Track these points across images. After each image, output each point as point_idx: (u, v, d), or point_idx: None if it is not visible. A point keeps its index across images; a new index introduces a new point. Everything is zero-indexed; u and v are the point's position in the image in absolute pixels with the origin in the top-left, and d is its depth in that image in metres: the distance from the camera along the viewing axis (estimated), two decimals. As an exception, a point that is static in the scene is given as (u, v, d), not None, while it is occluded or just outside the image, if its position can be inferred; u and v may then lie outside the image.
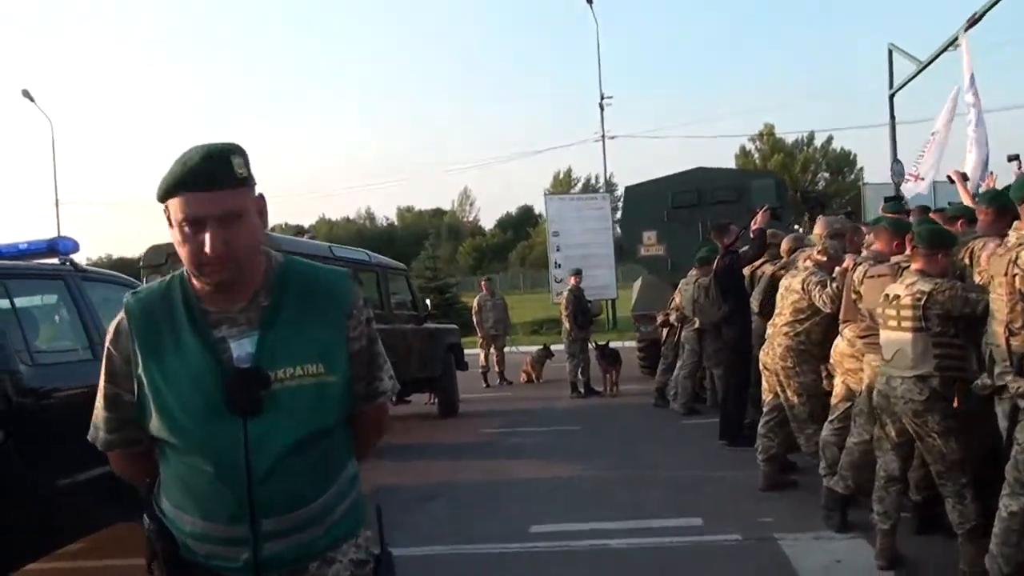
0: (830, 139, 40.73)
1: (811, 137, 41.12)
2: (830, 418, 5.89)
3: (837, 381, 5.89)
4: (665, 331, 11.23)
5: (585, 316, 12.60)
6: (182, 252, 1.82)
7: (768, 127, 41.09)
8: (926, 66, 17.05)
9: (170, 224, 1.85)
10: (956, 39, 14.58)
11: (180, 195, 1.79)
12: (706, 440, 8.57)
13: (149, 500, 1.98)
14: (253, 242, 1.86)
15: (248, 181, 1.85)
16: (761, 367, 6.70)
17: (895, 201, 8.32)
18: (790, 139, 41.39)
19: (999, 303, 3.99)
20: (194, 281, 1.89)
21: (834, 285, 5.94)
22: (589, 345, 12.68)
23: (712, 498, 6.51)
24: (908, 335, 4.53)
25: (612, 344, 13.00)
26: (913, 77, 17.96)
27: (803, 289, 6.23)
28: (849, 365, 5.67)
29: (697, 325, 9.87)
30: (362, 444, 2.13)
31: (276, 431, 1.82)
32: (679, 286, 10.63)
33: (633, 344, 14.70)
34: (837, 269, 6.06)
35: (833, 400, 5.96)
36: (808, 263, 6.46)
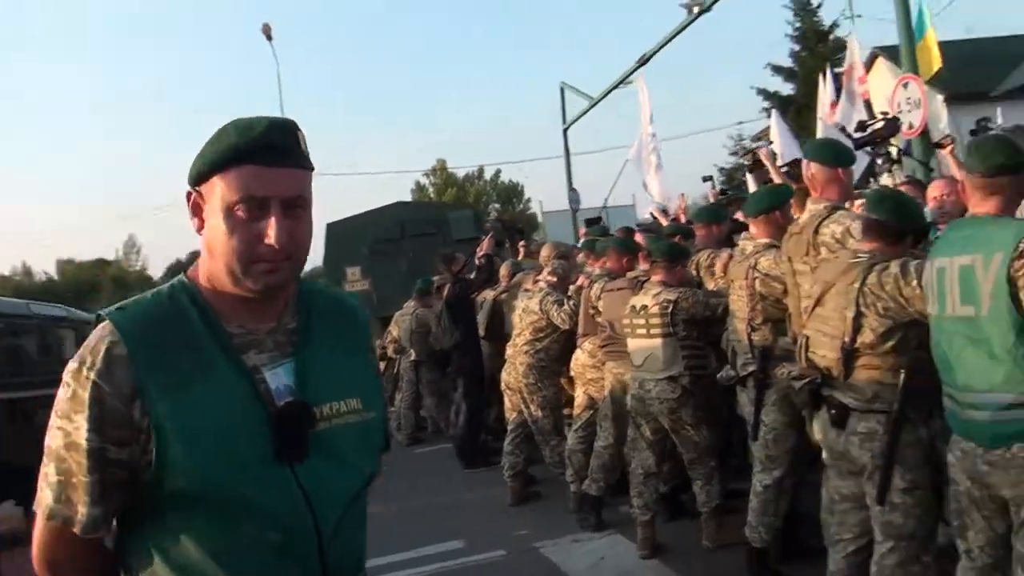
0: (498, 172, 43.26)
1: (481, 171, 43.40)
2: (574, 427, 6.22)
3: (579, 392, 6.23)
4: (382, 364, 11.22)
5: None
6: (226, 244, 1.41)
7: (441, 162, 42.89)
8: (598, 102, 18.64)
9: (198, 212, 1.46)
10: (628, 77, 16.09)
11: (238, 168, 1.40)
12: (443, 466, 8.66)
13: None
14: (310, 239, 1.51)
15: (311, 165, 1.50)
16: (503, 387, 6.92)
17: (597, 224, 8.99)
18: (461, 173, 43.56)
19: (740, 304, 4.45)
20: (207, 290, 1.49)
21: (571, 303, 6.30)
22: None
23: (467, 519, 6.61)
24: (658, 341, 4.92)
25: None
26: (585, 112, 19.56)
27: (541, 309, 6.53)
28: (591, 376, 6.02)
29: (414, 357, 10.01)
30: None
31: (331, 479, 1.48)
32: (395, 318, 10.70)
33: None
34: (572, 287, 6.43)
35: (576, 410, 6.29)
36: (541, 284, 6.80)
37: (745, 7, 71.87)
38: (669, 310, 4.89)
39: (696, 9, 13.47)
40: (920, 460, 3.13)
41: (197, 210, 1.47)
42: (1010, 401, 2.57)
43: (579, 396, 6.23)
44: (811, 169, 3.86)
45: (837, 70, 15.18)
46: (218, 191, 1.42)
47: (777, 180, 6.61)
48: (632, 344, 5.11)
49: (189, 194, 1.48)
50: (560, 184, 21.34)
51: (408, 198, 38.69)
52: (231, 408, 1.41)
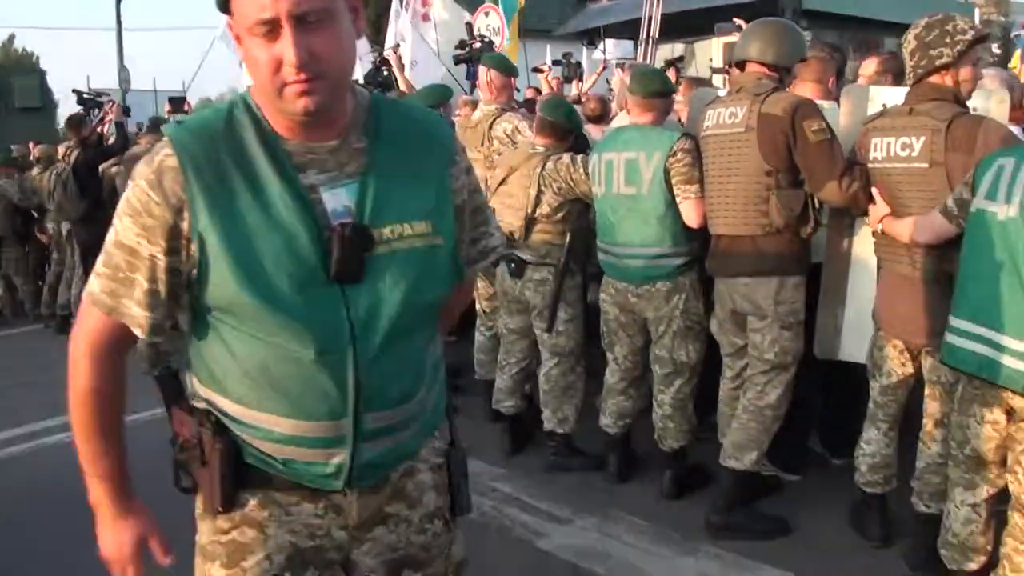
0: (12, 38, 38.11)
1: (-12, 35, 37.97)
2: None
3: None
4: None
5: None
6: (256, 70, 1.39)
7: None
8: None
9: (239, 40, 1.42)
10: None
11: None
12: (54, 343, 8.45)
13: (173, 390, 1.64)
14: (346, 53, 1.43)
15: None
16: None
17: (181, 104, 9.19)
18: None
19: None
20: (267, 112, 1.46)
21: None
22: None
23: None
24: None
25: None
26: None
27: None
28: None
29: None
30: (448, 316, 1.84)
31: (382, 303, 1.48)
32: None
33: None
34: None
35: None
36: None
37: None
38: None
39: None
40: (577, 299, 4.30)
41: (238, 38, 1.43)
42: (656, 252, 3.78)
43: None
44: (490, 75, 4.79)
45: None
46: (236, 19, 1.40)
47: (404, 84, 7.52)
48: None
49: (229, 23, 1.44)
50: (97, 60, 19.94)
51: None
52: (280, 226, 1.42)
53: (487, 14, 10.55)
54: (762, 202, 3.47)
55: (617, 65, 7.34)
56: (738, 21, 4.74)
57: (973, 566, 2.88)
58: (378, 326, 1.48)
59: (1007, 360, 2.58)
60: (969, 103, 3.18)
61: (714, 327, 3.84)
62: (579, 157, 4.17)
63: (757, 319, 3.58)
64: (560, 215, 4.20)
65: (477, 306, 5.05)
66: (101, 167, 8.09)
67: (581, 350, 4.37)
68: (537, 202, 4.18)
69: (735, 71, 3.80)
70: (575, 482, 4.26)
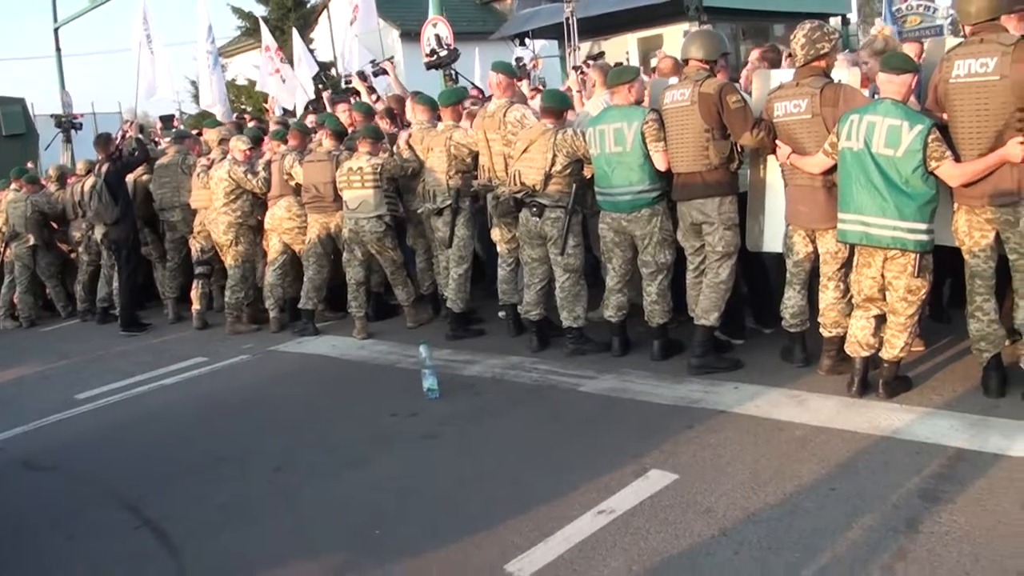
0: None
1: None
2: (272, 268, 8.22)
3: (274, 240, 8.22)
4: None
5: None
6: None
7: None
8: (100, 4, 18.95)
9: None
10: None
11: None
12: (106, 331, 9.97)
13: None
14: None
15: None
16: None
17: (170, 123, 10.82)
18: None
19: (439, 162, 7.00)
20: None
21: (263, 174, 8.19)
22: None
23: (192, 346, 8.35)
24: (370, 191, 7.26)
25: None
26: (83, 13, 19.65)
27: (230, 177, 8.24)
28: (287, 226, 8.08)
29: (32, 242, 10.70)
30: None
31: None
32: (3, 206, 11.01)
33: None
34: (260, 161, 8.31)
35: (272, 255, 8.28)
36: (213, 158, 8.60)
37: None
38: (379, 170, 7.26)
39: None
40: (579, 231, 6.12)
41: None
42: (639, 189, 5.62)
43: (276, 243, 8.22)
44: (499, 78, 6.56)
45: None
46: None
47: (396, 87, 9.30)
48: (348, 195, 7.38)
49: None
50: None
51: None
52: None
53: (435, 25, 12.35)
54: (704, 149, 5.34)
55: (574, 68, 9.08)
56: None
57: (865, 353, 4.81)
58: None
59: (873, 231, 4.52)
60: (833, 74, 5.07)
61: (679, 236, 5.70)
62: (578, 129, 5.98)
63: (708, 225, 5.45)
64: (567, 171, 6.00)
65: (498, 248, 6.81)
66: (129, 176, 9.56)
67: (583, 268, 6.20)
68: (552, 163, 5.96)
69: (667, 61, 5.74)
70: (592, 358, 6.09)
